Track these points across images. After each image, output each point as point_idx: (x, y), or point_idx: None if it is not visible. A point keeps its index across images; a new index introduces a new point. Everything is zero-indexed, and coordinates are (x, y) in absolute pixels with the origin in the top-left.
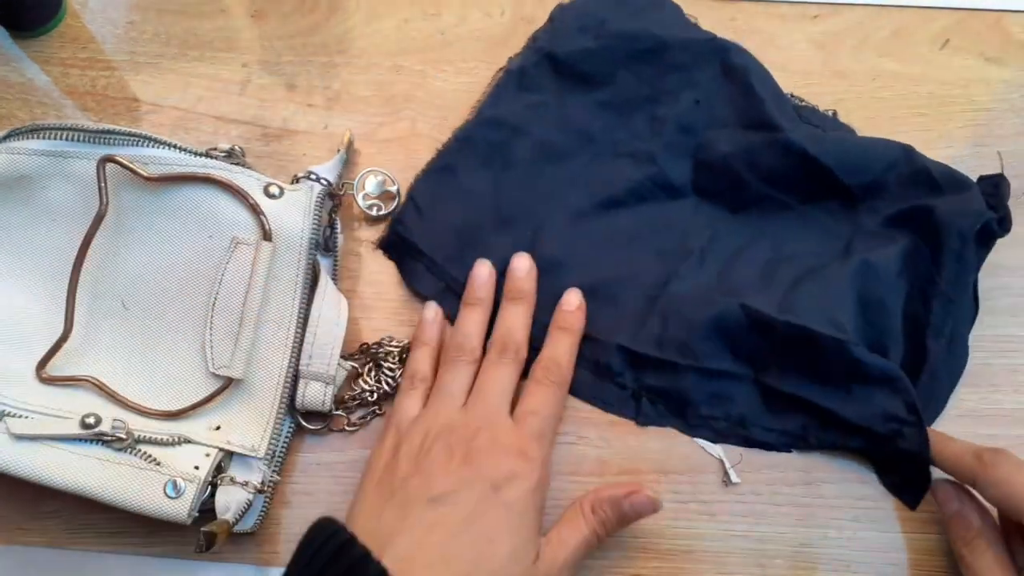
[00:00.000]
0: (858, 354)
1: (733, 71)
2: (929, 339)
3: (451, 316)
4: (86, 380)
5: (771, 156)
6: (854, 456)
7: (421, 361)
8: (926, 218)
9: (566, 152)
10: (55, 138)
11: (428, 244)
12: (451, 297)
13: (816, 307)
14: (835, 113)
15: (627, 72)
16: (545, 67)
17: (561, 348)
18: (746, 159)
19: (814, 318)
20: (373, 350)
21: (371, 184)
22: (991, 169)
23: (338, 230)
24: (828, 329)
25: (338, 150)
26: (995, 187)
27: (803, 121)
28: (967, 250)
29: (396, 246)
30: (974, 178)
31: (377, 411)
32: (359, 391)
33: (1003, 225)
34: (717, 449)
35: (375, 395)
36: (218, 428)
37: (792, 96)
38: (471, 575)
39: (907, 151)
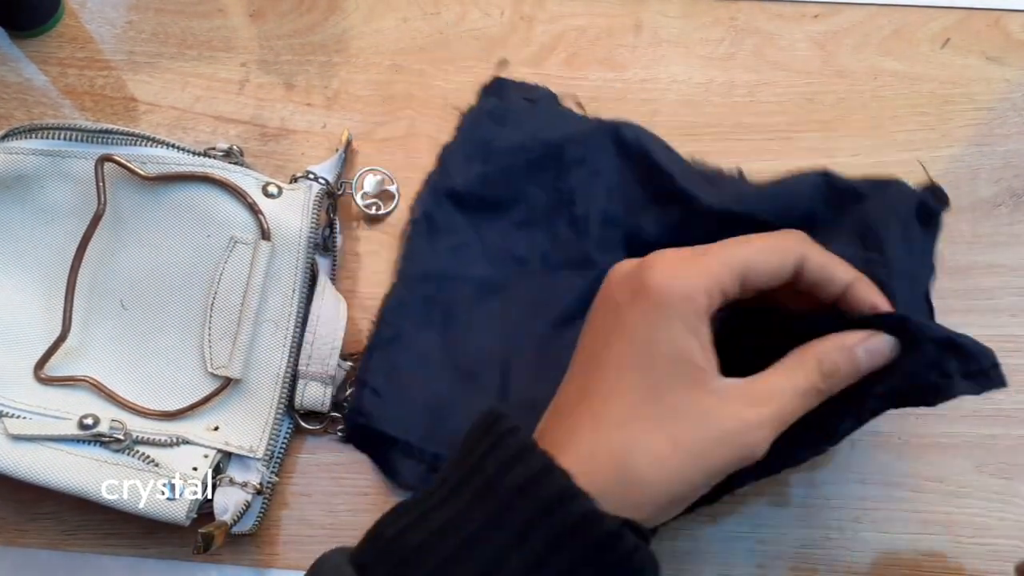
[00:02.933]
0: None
1: (628, 148)
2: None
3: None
4: (84, 380)
5: (698, 226)
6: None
7: None
8: (862, 225)
9: (503, 283)
10: (53, 137)
11: (398, 427)
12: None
13: None
14: (742, 172)
15: (531, 184)
16: (449, 206)
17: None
18: (676, 236)
19: None
20: None
21: (370, 183)
22: (993, 168)
23: (337, 230)
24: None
25: (336, 149)
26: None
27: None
28: (910, 230)
29: (362, 438)
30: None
31: None
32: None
33: (939, 197)
34: None
35: None
36: (216, 429)
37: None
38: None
39: (826, 177)
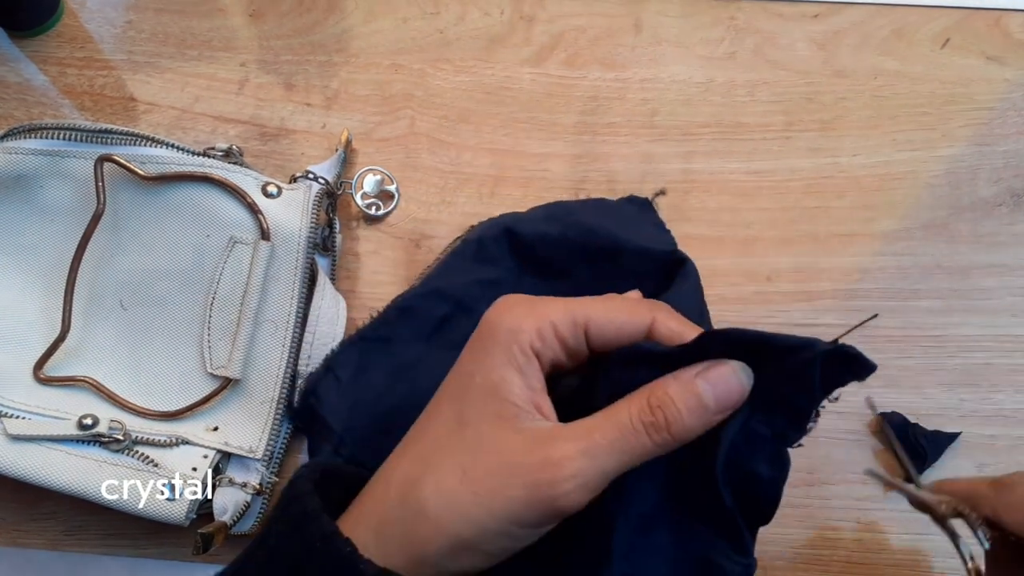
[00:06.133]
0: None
1: (677, 285)
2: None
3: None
4: (83, 380)
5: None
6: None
7: None
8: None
9: None
10: (53, 137)
11: (340, 422)
12: None
13: None
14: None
15: (584, 266)
16: (504, 242)
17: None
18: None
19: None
20: None
21: (369, 183)
22: (993, 168)
23: (337, 230)
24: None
25: (336, 149)
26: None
27: None
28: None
29: (306, 416)
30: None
31: None
32: None
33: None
34: None
35: None
36: (216, 429)
37: None
38: None
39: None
